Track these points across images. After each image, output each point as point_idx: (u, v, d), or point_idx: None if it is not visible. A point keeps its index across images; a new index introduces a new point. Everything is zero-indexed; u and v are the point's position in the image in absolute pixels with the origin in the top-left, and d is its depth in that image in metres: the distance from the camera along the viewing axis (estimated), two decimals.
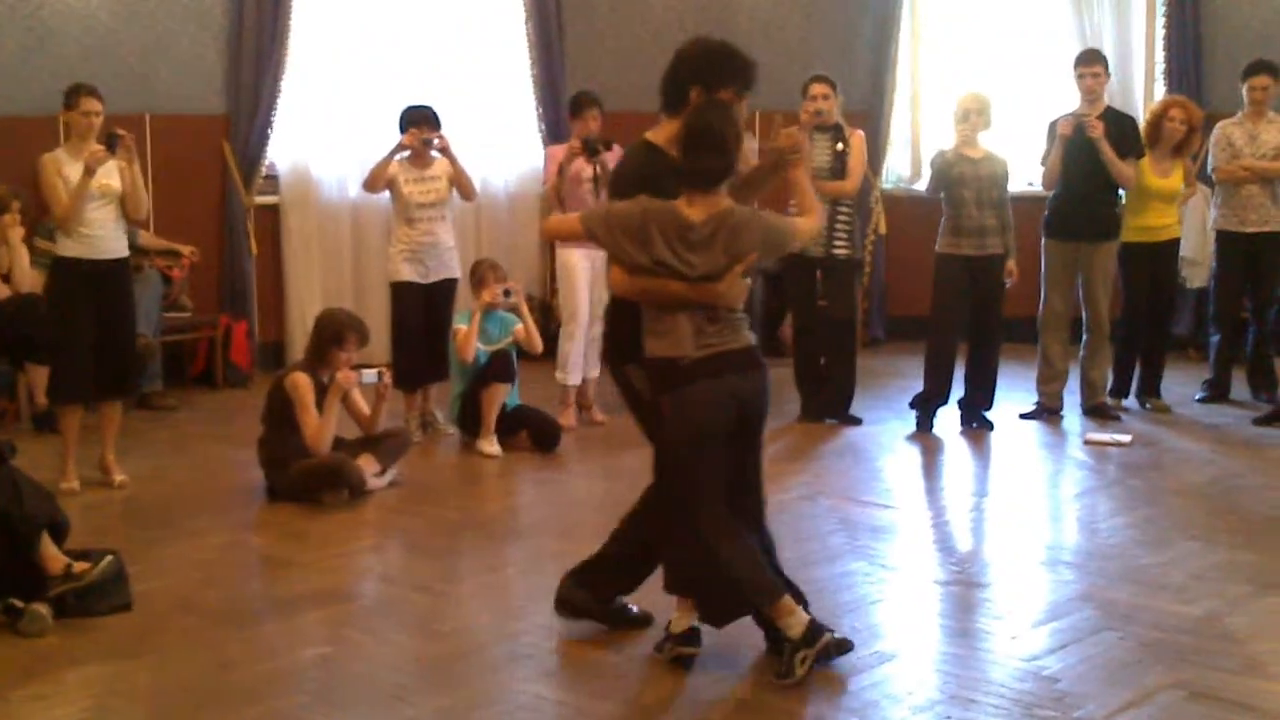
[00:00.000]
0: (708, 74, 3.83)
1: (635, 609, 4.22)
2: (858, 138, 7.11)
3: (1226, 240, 7.57)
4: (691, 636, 3.87)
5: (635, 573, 4.16)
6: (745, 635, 4.02)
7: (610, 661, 3.90)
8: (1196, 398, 7.73)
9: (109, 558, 4.39)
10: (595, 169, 7.16)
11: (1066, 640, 4.02)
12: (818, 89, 7.19)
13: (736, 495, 3.86)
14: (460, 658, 3.99)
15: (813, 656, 3.70)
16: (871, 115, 9.53)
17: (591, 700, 3.63)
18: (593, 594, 4.16)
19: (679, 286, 3.74)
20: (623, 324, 3.94)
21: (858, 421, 7.18)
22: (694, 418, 3.75)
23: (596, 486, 6.23)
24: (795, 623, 3.73)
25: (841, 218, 7.00)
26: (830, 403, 7.24)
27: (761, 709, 3.61)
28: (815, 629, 3.75)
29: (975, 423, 7.11)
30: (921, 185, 8.23)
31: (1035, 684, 3.71)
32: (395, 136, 7.04)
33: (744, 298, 3.86)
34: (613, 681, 3.75)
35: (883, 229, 9.75)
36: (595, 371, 7.35)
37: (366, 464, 5.97)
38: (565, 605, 4.19)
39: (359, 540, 5.36)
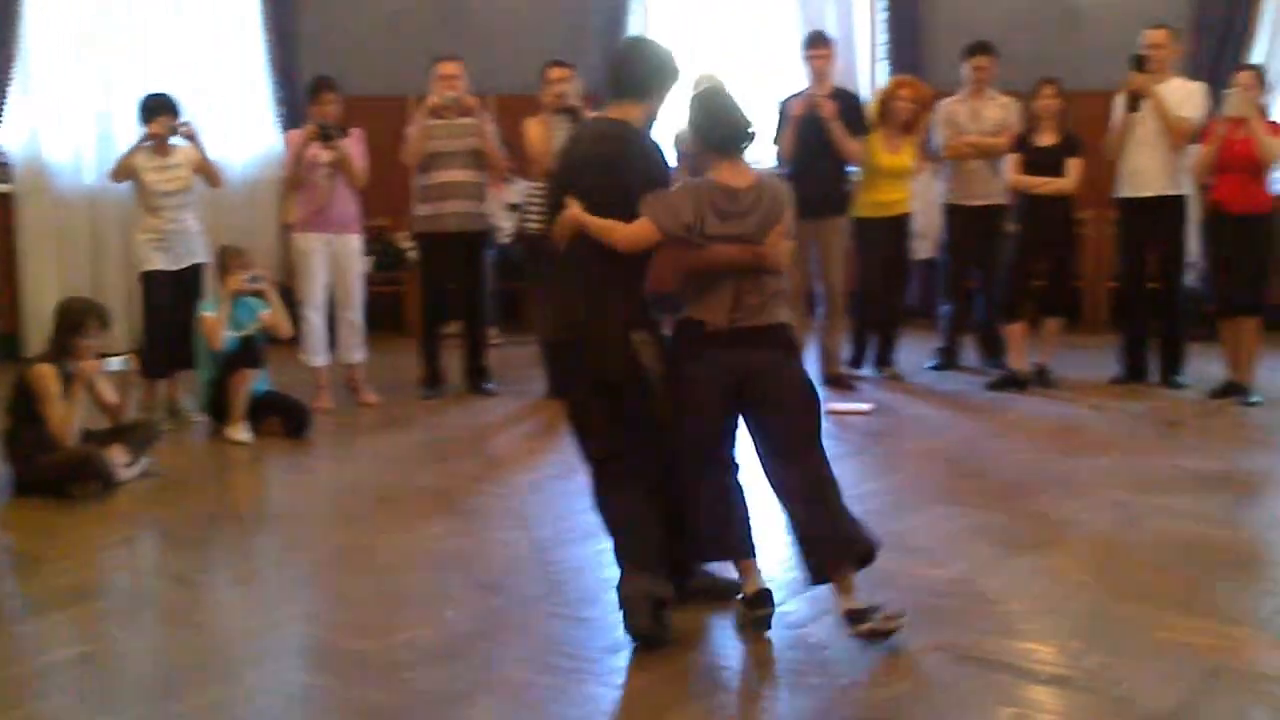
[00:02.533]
0: (674, 74, 4.11)
1: (720, 577, 4.21)
2: None
3: (953, 213, 7.95)
4: (763, 597, 3.93)
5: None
6: (525, 616, 4.14)
7: (378, 648, 3.86)
8: (929, 365, 8.13)
9: None
10: (331, 153, 7.13)
11: (829, 607, 4.05)
12: (557, 73, 7.30)
13: (777, 468, 3.99)
14: (226, 649, 3.93)
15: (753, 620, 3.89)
16: (606, 98, 9.70)
17: (364, 688, 3.59)
18: (674, 580, 4.01)
19: (729, 250, 3.86)
20: (626, 295, 3.95)
21: None
22: (686, 387, 3.91)
23: (348, 470, 6.18)
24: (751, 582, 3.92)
25: None
26: None
27: (529, 690, 3.64)
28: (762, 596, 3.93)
29: None
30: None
31: (802, 651, 3.78)
32: (132, 123, 6.86)
33: (789, 260, 4.04)
34: (385, 669, 3.72)
35: None
36: (360, 355, 7.42)
37: (116, 455, 5.79)
38: (648, 616, 3.87)
39: (112, 533, 5.18)
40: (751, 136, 4.01)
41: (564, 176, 4.10)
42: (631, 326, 3.94)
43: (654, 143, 4.08)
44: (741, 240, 3.90)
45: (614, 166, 3.96)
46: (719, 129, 3.99)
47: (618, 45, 4.27)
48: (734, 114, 4.00)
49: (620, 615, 3.88)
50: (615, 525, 4.05)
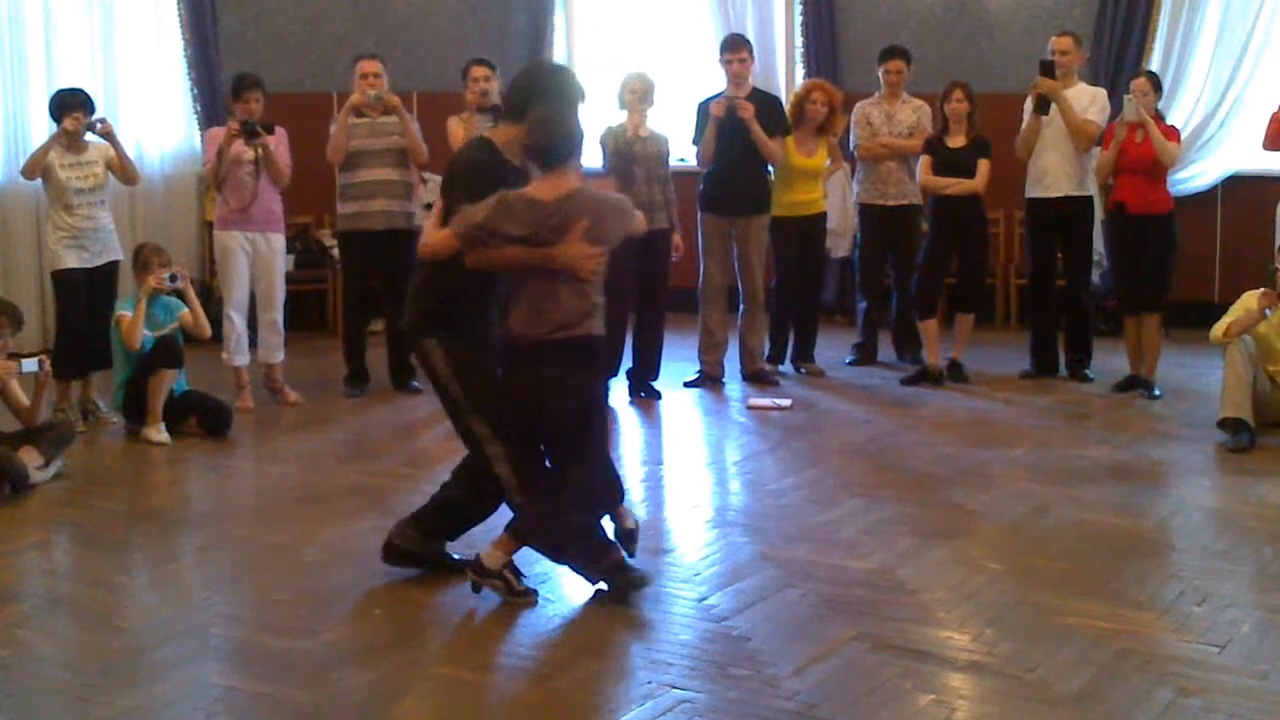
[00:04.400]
0: (556, 93, 4.24)
1: (457, 555, 4.40)
2: None
3: (869, 213, 8.03)
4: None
5: (462, 518, 4.42)
6: (454, 614, 4.11)
7: (303, 649, 3.80)
8: (847, 361, 8.19)
9: None
10: (256, 151, 7.04)
11: (752, 600, 4.12)
12: (478, 71, 7.27)
13: (564, 467, 4.19)
14: (146, 653, 3.83)
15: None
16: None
17: (289, 689, 3.53)
18: (421, 535, 4.37)
19: (515, 250, 4.00)
20: (428, 297, 4.22)
21: None
22: (506, 391, 4.15)
23: (270, 470, 6.11)
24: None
25: None
26: None
27: (459, 688, 3.63)
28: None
29: (644, 392, 7.33)
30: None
31: (726, 644, 3.80)
32: (44, 120, 6.71)
33: (593, 269, 4.06)
34: (308, 669, 3.66)
35: None
36: (280, 355, 7.34)
37: (28, 456, 5.63)
38: (392, 549, 4.38)
39: (25, 537, 5.06)
40: (570, 152, 4.11)
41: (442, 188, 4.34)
42: (421, 333, 4.21)
43: (496, 161, 4.20)
44: (528, 242, 4.00)
45: (451, 182, 4.23)
46: (539, 145, 4.10)
47: (519, 71, 4.47)
48: (558, 130, 4.11)
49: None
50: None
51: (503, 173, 4.17)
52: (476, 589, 4.14)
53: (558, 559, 4.28)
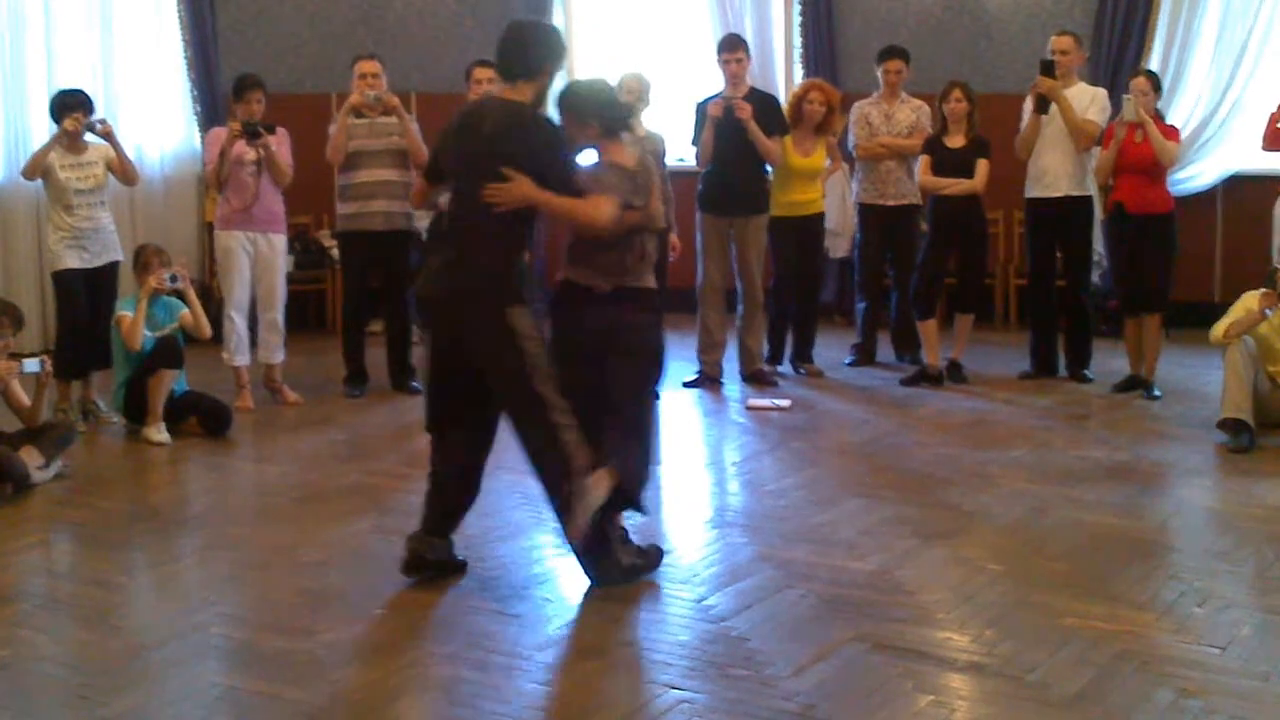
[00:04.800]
0: (558, 53, 4.40)
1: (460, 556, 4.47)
2: None
3: (868, 213, 8.02)
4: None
5: (460, 513, 4.46)
6: (453, 613, 4.11)
7: (303, 648, 3.80)
8: (846, 361, 8.19)
9: None
10: (258, 151, 7.03)
11: (751, 600, 4.13)
12: (482, 73, 7.25)
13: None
14: (146, 652, 3.83)
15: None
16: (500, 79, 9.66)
17: (288, 688, 3.53)
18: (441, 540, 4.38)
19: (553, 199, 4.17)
20: (508, 268, 4.24)
21: None
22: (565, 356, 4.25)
23: (270, 470, 6.10)
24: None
25: None
26: None
27: (458, 687, 3.62)
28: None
29: None
30: None
31: (726, 645, 3.80)
32: (44, 120, 6.71)
33: (605, 224, 4.18)
34: (308, 668, 3.66)
35: None
36: (280, 356, 7.34)
37: (29, 456, 5.62)
38: (419, 563, 4.33)
39: (26, 536, 5.05)
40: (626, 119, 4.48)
41: (470, 152, 4.24)
42: (507, 301, 4.18)
43: (548, 121, 4.33)
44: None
45: (514, 145, 4.17)
46: (609, 114, 4.35)
47: (505, 29, 4.44)
48: (612, 98, 4.44)
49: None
50: None
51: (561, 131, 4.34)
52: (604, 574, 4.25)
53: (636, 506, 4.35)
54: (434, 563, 4.34)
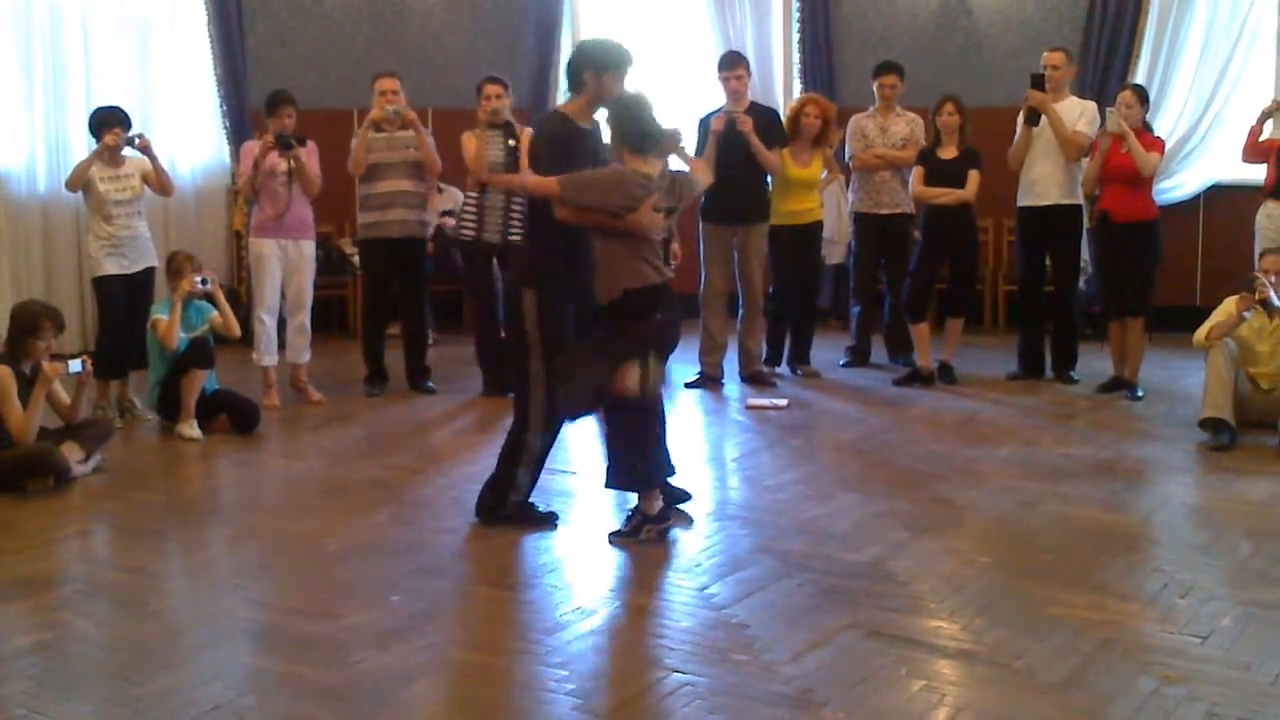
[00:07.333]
0: (596, 61, 4.67)
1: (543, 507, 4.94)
2: (527, 134, 7.20)
3: (863, 221, 8.02)
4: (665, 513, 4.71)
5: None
6: (467, 600, 4.12)
7: (327, 632, 3.83)
8: (841, 363, 8.19)
9: None
10: (289, 162, 7.08)
11: (751, 589, 4.14)
12: (491, 89, 7.26)
13: None
14: (180, 635, 3.87)
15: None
16: (538, 112, 9.70)
17: (312, 670, 3.56)
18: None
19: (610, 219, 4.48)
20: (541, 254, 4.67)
21: None
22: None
23: (295, 464, 6.13)
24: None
25: (516, 207, 6.97)
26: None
27: (472, 670, 3.65)
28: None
29: None
30: None
31: (726, 631, 3.81)
32: (84, 135, 6.76)
33: (656, 231, 4.60)
34: (333, 652, 3.68)
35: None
36: (306, 356, 7.37)
37: (70, 451, 5.69)
38: (493, 513, 4.83)
39: (66, 526, 5.09)
40: (652, 147, 4.61)
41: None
42: (523, 282, 4.75)
43: (568, 129, 4.66)
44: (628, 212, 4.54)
45: (532, 142, 4.93)
46: (627, 131, 4.59)
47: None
48: (638, 121, 4.59)
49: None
50: None
51: (573, 138, 4.65)
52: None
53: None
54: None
